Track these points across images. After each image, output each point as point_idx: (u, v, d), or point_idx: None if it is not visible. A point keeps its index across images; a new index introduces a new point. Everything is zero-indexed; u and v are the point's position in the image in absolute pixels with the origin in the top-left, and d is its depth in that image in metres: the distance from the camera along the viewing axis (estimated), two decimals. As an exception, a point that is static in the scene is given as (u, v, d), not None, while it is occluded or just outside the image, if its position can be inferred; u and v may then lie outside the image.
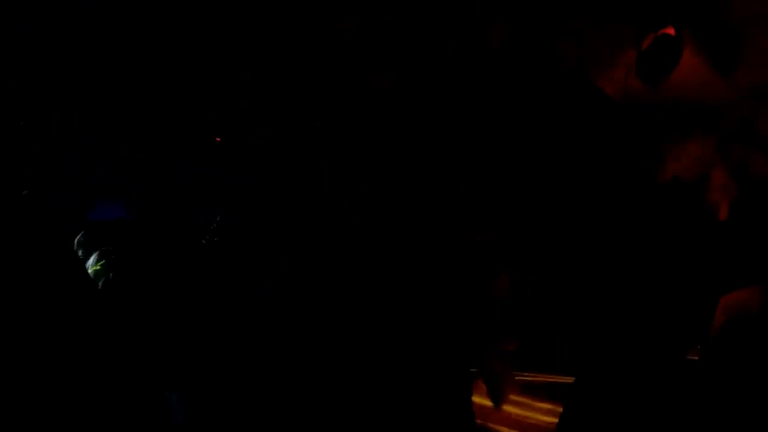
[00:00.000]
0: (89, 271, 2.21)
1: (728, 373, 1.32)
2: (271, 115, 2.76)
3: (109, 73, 2.77)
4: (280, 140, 2.65)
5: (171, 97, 2.89)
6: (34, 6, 2.45)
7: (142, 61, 2.78)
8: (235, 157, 2.78)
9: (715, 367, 1.33)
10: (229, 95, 2.80)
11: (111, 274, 2.21)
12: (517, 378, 2.07)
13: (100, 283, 2.19)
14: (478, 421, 1.88)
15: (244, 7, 2.64)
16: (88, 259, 2.36)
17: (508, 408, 2.07)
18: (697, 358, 1.59)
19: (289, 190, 2.36)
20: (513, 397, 2.04)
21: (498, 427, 2.00)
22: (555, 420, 1.59)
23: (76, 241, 2.48)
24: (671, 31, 2.30)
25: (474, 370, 1.99)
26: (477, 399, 1.93)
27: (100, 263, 2.33)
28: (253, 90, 2.75)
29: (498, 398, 1.95)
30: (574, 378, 1.61)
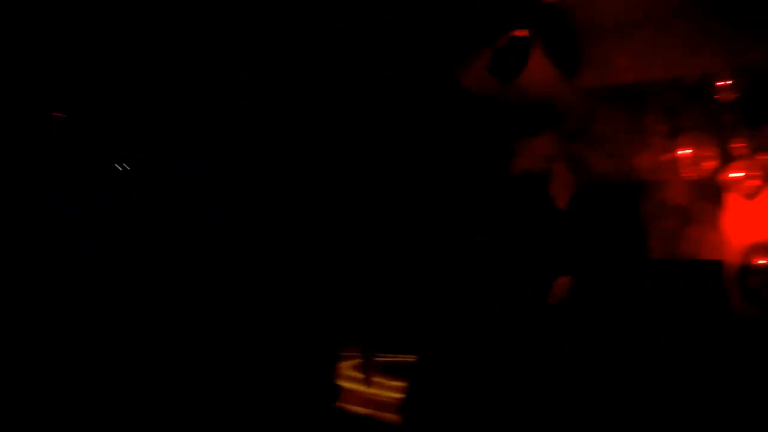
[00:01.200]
0: None
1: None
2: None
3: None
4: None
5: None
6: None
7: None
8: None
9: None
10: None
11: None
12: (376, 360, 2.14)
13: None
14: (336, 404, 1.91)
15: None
16: None
17: (360, 388, 2.14)
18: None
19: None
20: (366, 376, 2.12)
21: (351, 407, 2.05)
22: (401, 395, 1.63)
23: None
24: (522, 33, 2.43)
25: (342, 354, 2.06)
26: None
27: None
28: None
29: (367, 380, 2.02)
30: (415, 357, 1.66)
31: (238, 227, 2.30)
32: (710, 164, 3.71)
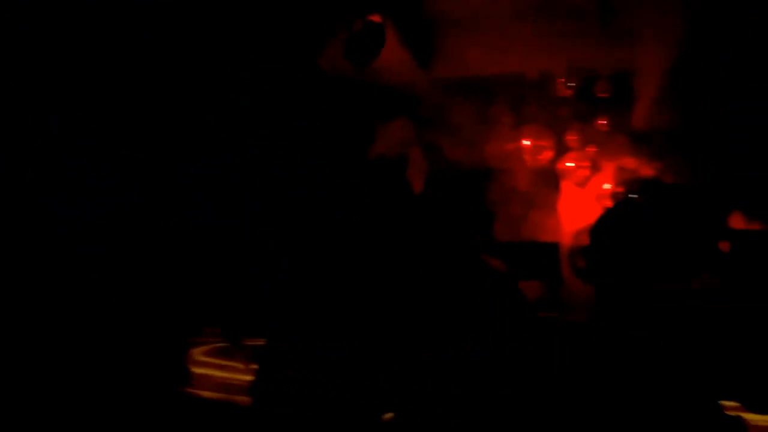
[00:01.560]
0: None
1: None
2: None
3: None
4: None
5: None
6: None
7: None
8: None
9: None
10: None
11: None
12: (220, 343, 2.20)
13: None
14: (185, 389, 1.93)
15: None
16: None
17: (212, 372, 2.18)
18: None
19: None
20: (219, 361, 2.17)
21: (201, 392, 2.09)
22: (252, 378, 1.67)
23: None
24: (377, 18, 2.58)
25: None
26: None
27: None
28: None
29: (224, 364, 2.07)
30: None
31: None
32: (548, 154, 4.06)
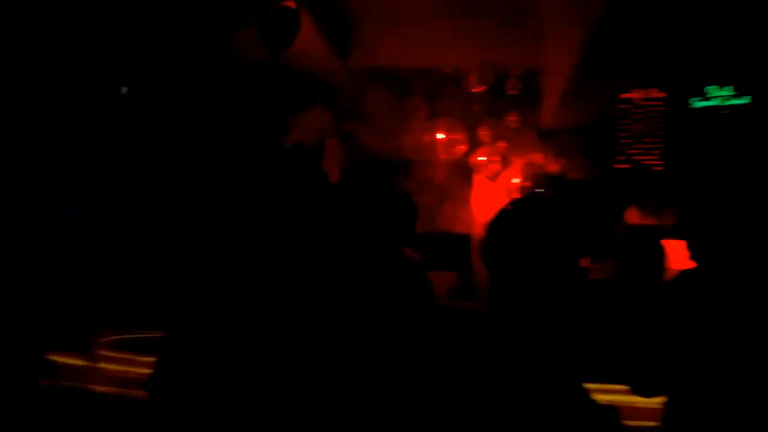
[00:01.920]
0: None
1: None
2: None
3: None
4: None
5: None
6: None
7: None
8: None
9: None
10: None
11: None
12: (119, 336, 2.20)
13: None
14: (70, 383, 1.91)
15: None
16: None
17: (106, 365, 2.18)
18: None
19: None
20: (113, 354, 2.17)
21: (95, 386, 2.07)
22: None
23: None
24: (291, 4, 2.63)
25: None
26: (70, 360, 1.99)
27: None
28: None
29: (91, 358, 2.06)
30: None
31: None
32: (461, 148, 4.17)
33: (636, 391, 1.38)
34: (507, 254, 1.67)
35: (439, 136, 4.07)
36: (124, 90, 2.65)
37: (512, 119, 4.10)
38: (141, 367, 1.95)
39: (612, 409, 1.07)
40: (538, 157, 4.26)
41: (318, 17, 2.93)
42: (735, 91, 4.03)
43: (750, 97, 3.87)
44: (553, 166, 4.25)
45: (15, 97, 2.45)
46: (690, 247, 1.19)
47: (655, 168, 4.35)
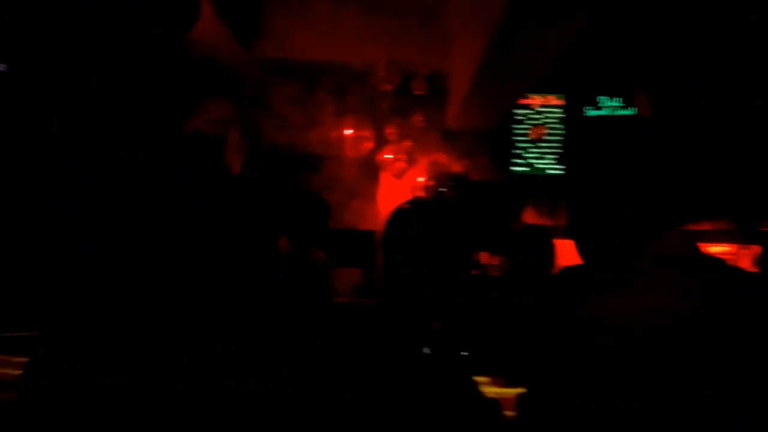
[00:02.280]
0: None
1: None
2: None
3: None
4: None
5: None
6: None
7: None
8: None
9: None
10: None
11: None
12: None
13: None
14: None
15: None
16: None
17: None
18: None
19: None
20: None
21: None
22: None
23: None
24: None
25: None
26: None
27: None
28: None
29: None
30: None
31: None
32: (368, 145, 4.19)
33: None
34: (403, 252, 1.69)
35: (347, 132, 4.06)
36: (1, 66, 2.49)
37: (418, 119, 4.17)
38: (11, 368, 1.82)
39: (496, 402, 1.10)
40: (442, 157, 4.36)
41: (220, 4, 2.84)
42: (623, 102, 4.34)
43: (636, 109, 4.17)
44: (457, 166, 4.37)
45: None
46: (578, 246, 1.25)
47: (551, 171, 4.58)
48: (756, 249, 2.80)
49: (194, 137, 3.03)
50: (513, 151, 4.55)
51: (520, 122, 4.52)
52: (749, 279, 1.08)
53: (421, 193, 4.21)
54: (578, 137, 4.40)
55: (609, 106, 4.42)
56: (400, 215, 1.73)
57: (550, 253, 2.57)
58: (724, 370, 0.95)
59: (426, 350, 1.60)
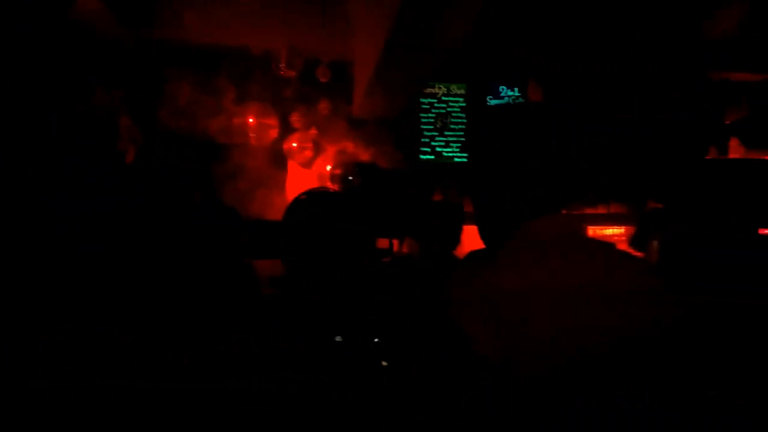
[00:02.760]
0: None
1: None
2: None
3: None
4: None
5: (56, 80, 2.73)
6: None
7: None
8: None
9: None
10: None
11: None
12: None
13: None
14: None
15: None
16: None
17: None
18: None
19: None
20: None
21: None
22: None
23: None
24: None
25: None
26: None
27: None
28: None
29: None
30: None
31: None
32: (272, 133, 4.10)
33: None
34: (300, 243, 1.67)
35: (250, 120, 3.95)
36: None
37: (324, 107, 4.12)
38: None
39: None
40: (349, 145, 4.34)
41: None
42: (520, 92, 4.50)
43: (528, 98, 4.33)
44: (364, 155, 4.37)
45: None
46: (481, 231, 1.27)
47: (456, 159, 4.68)
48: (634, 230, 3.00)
49: (81, 125, 2.89)
50: (419, 140, 4.61)
51: (426, 111, 4.58)
52: (631, 261, 1.13)
53: (329, 182, 4.18)
54: (480, 126, 4.50)
55: (509, 95, 4.57)
56: (294, 207, 1.71)
57: (455, 238, 2.63)
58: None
59: (338, 338, 1.60)
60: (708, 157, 4.36)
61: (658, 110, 4.22)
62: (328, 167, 4.24)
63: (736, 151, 4.54)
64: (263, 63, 3.92)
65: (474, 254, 1.22)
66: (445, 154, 4.66)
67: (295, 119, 4.13)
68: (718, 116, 4.62)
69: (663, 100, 4.30)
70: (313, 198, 1.69)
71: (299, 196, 1.76)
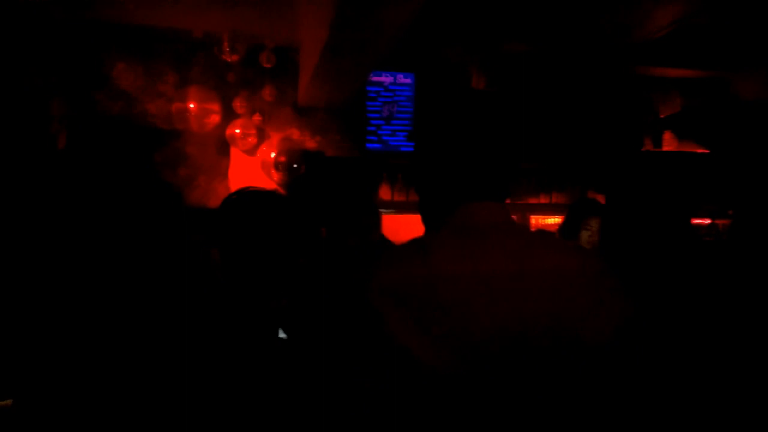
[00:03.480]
0: None
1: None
2: None
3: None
4: None
5: None
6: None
7: None
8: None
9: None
10: None
11: None
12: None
13: None
14: None
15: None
16: None
17: None
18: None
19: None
20: None
21: None
22: None
23: None
24: None
25: None
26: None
27: None
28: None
29: None
30: None
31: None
32: (214, 119, 3.98)
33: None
34: (231, 241, 1.62)
35: (191, 105, 3.81)
36: None
37: (268, 93, 4.03)
38: None
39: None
40: (295, 133, 4.27)
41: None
42: (461, 82, 4.53)
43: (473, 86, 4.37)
44: (311, 143, 4.31)
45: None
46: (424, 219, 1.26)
47: (402, 148, 4.68)
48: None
49: (11, 107, 2.73)
50: (365, 129, 4.58)
51: (373, 99, 4.56)
52: (570, 247, 1.14)
53: (274, 171, 4.11)
54: (427, 115, 4.51)
55: (455, 90, 4.59)
56: (224, 207, 1.65)
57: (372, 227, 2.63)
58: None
59: (282, 335, 1.57)
60: (643, 150, 4.53)
61: (595, 105, 4.34)
62: (273, 155, 4.16)
63: (669, 144, 4.73)
64: (205, 47, 3.80)
65: (405, 245, 1.20)
66: (392, 143, 4.66)
67: (239, 105, 4.02)
68: (653, 111, 4.81)
69: (599, 96, 4.43)
70: (244, 199, 1.64)
71: (230, 195, 1.71)
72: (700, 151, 4.49)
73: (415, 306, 0.97)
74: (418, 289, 0.98)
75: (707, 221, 4.49)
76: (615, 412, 1.00)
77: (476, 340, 0.96)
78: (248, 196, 1.62)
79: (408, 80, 4.60)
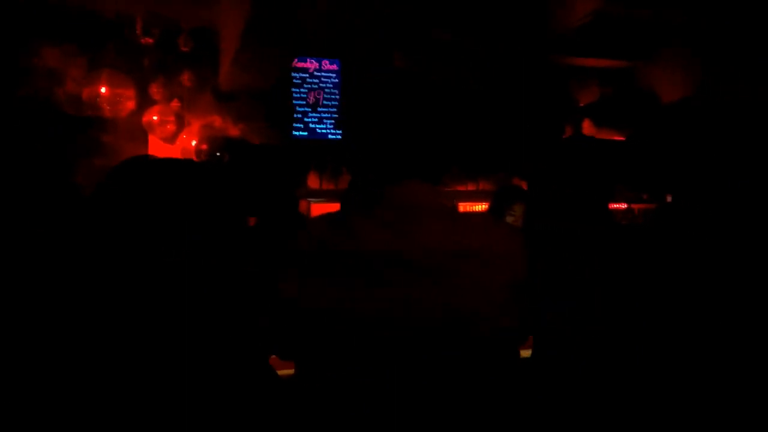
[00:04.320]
0: None
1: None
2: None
3: None
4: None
5: None
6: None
7: None
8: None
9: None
10: None
11: None
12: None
13: None
14: None
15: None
16: None
17: None
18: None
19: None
20: None
21: None
22: None
23: None
24: None
25: None
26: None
27: None
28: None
29: None
30: None
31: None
32: (129, 105, 3.77)
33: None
34: (108, 229, 1.51)
35: (102, 90, 3.59)
36: None
37: (187, 77, 3.85)
38: None
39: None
40: (217, 120, 4.12)
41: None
42: (390, 69, 4.51)
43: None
44: (234, 131, 4.17)
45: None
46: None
47: (330, 136, 4.62)
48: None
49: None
50: (292, 116, 4.48)
51: (298, 86, 4.46)
52: (500, 225, 1.16)
53: (194, 158, 3.94)
54: (354, 102, 4.46)
55: (382, 72, 4.57)
56: (96, 193, 1.54)
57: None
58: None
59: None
60: (564, 137, 4.68)
61: (518, 93, 4.43)
62: (194, 143, 3.99)
63: (588, 130, 4.91)
64: (117, 29, 3.57)
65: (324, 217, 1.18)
66: (319, 132, 4.58)
67: (155, 91, 3.83)
68: (573, 99, 4.97)
69: (522, 85, 4.53)
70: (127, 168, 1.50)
71: (103, 180, 1.59)
72: (616, 138, 4.68)
73: (340, 280, 0.96)
74: (344, 259, 0.97)
75: (624, 206, 4.70)
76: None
77: (398, 318, 0.94)
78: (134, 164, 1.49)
79: (334, 66, 4.53)
